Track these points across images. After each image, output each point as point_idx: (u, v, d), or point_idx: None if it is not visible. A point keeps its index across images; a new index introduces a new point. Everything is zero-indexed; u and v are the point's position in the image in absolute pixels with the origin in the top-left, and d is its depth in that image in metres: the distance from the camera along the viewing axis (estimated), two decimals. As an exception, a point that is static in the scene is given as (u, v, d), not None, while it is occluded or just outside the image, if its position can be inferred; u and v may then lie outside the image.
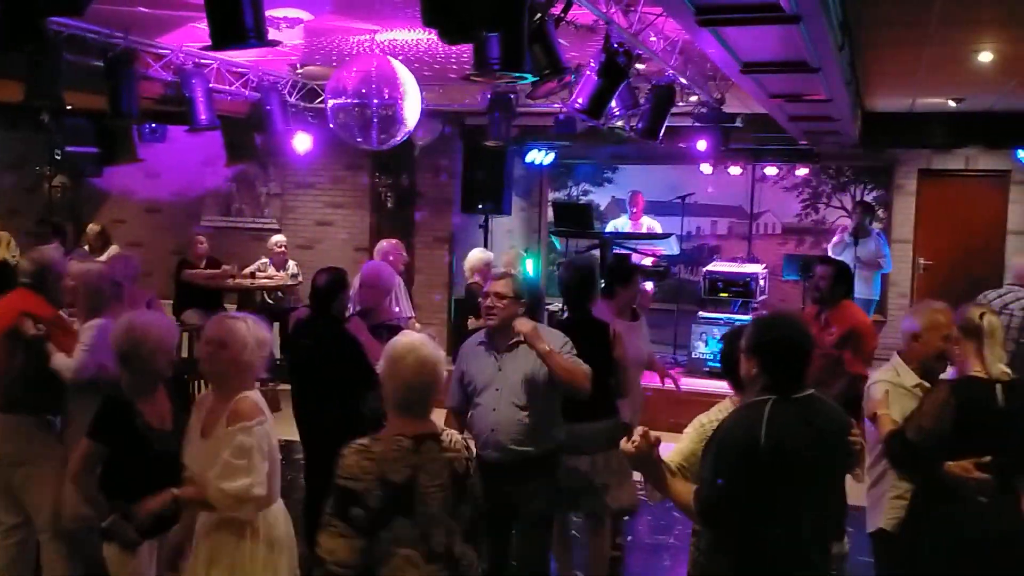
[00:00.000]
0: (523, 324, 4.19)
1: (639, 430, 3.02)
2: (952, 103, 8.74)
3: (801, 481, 2.92)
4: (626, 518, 5.98)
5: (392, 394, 2.99)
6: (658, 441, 3.01)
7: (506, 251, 8.13)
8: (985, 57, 6.47)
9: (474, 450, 3.20)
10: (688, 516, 3.13)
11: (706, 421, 3.41)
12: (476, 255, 7.51)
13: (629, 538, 6.41)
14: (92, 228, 10.16)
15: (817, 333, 5.03)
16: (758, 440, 2.84)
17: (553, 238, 10.76)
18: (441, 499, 2.95)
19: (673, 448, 3.32)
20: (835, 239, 9.99)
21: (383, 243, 7.36)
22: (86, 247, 9.41)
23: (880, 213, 10.79)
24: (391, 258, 7.11)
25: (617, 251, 9.62)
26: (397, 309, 6.80)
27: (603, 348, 4.80)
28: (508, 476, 4.19)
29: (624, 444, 3.02)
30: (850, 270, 5.87)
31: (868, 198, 10.82)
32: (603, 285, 5.60)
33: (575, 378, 4.19)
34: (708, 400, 3.77)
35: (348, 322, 5.19)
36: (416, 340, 3.06)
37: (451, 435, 3.10)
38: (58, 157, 9.22)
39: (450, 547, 2.99)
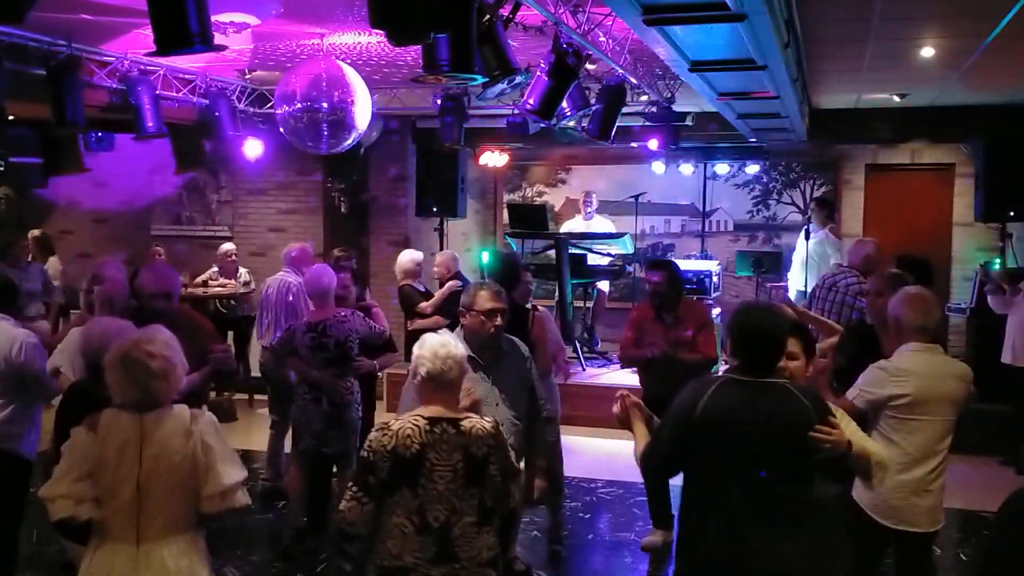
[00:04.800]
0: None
1: (618, 395, 3.42)
2: (896, 98, 8.91)
3: (730, 456, 3.05)
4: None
5: (421, 380, 3.27)
6: (636, 404, 3.42)
7: (441, 253, 8.14)
8: (927, 52, 6.60)
9: (505, 438, 3.26)
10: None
11: None
12: (406, 256, 7.54)
13: (591, 536, 6.45)
14: (32, 234, 9.92)
15: (665, 331, 5.96)
16: (694, 410, 3.08)
17: (509, 239, 10.77)
18: (449, 478, 3.14)
19: None
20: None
21: (292, 247, 7.46)
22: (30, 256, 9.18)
23: (829, 208, 10.95)
24: (297, 261, 7.24)
25: (572, 251, 9.69)
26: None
27: (522, 329, 5.15)
28: None
29: (613, 408, 3.40)
30: (678, 270, 6.20)
31: (817, 193, 10.96)
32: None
33: None
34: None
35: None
36: (446, 338, 3.35)
37: (475, 422, 3.24)
38: (1, 168, 9.04)
39: (448, 525, 3.14)
